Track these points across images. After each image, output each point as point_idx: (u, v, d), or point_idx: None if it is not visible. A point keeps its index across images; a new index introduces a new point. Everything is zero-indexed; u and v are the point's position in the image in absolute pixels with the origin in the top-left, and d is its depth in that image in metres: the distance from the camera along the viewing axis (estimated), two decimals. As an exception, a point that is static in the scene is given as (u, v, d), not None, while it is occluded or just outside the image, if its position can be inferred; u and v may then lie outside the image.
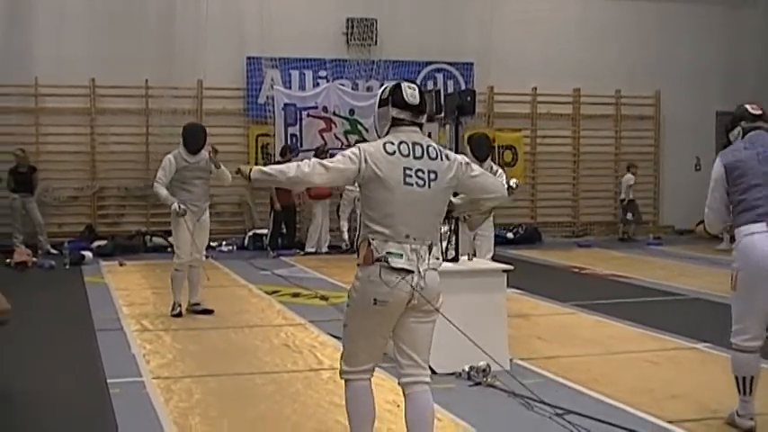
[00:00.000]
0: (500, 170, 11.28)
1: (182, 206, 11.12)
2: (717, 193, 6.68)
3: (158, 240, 18.94)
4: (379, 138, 5.66)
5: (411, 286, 5.47)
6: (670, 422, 6.94)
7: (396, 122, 5.62)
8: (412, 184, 5.44)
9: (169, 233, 18.52)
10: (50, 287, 14.38)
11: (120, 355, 9.32)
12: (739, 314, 6.55)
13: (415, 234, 5.47)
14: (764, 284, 6.29)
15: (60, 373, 8.67)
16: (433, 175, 5.52)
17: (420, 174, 5.48)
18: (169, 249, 18.32)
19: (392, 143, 5.52)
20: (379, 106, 5.72)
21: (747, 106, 6.88)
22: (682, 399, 7.62)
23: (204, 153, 11.33)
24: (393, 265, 5.40)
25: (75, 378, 8.45)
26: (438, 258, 5.76)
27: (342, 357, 5.80)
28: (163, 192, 11.28)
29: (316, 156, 18.18)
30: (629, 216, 21.46)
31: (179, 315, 11.25)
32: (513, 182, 10.88)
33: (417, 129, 5.67)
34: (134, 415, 7.19)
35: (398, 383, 5.79)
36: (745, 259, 6.42)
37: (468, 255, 9.33)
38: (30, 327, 10.43)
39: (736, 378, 6.61)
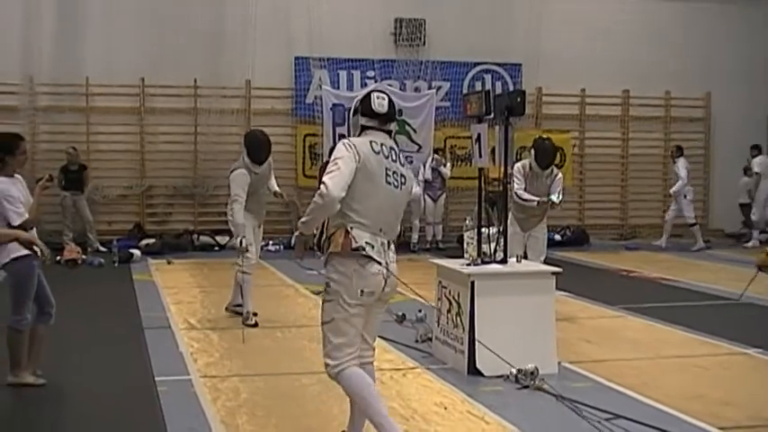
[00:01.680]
0: (560, 175, 11.36)
1: (246, 243, 10.60)
2: None
3: (206, 239, 19.07)
4: None
5: (383, 277, 5.87)
6: (722, 429, 6.86)
7: (365, 129, 6.04)
8: (390, 184, 5.91)
9: (216, 232, 18.90)
10: (99, 285, 14.49)
11: (168, 353, 9.37)
12: None
13: (386, 229, 5.93)
14: None
15: (109, 370, 8.73)
16: (402, 179, 6.01)
17: (395, 176, 5.96)
18: (216, 248, 18.52)
19: (375, 142, 5.92)
20: (353, 115, 6.15)
21: None
22: (733, 405, 7.52)
23: (267, 163, 11.01)
24: (370, 254, 5.78)
25: (124, 375, 8.51)
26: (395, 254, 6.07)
27: (327, 354, 5.98)
28: (240, 216, 10.57)
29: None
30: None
31: (255, 325, 10.73)
32: (554, 197, 10.91)
33: (386, 135, 6.06)
34: (182, 413, 7.22)
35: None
36: None
37: (518, 256, 9.27)
38: (79, 324, 10.53)
39: None
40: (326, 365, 6.00)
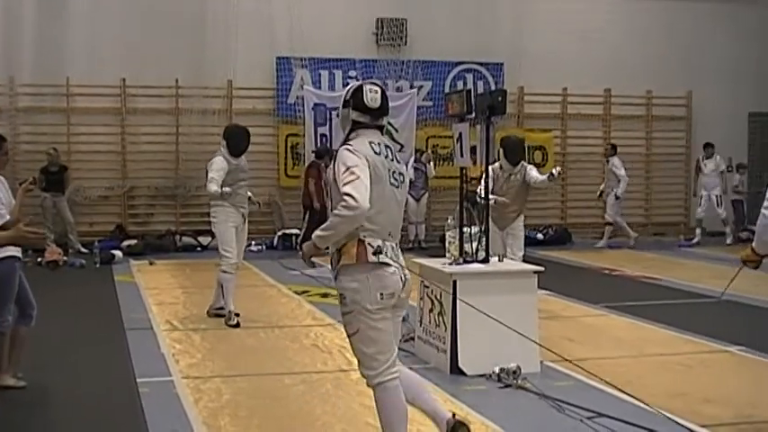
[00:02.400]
0: (530, 165, 11.53)
1: (227, 190, 10.68)
2: None
3: (188, 240, 19.03)
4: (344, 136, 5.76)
5: (401, 280, 5.61)
6: (704, 426, 6.87)
7: (356, 125, 5.67)
8: (393, 185, 5.63)
9: (198, 233, 18.87)
10: (81, 286, 14.44)
11: (150, 354, 9.34)
12: None
13: (394, 233, 5.71)
14: None
15: (90, 371, 8.70)
16: (402, 177, 5.74)
17: (396, 175, 5.68)
18: (199, 249, 18.48)
19: (374, 143, 5.61)
20: (343, 107, 5.75)
21: None
22: (716, 403, 7.54)
23: (243, 158, 11.14)
24: (385, 261, 5.53)
25: (105, 377, 8.48)
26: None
27: (363, 365, 5.71)
28: (213, 186, 10.63)
29: (318, 157, 18.45)
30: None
31: (237, 325, 10.70)
32: (555, 170, 11.02)
33: (378, 131, 5.75)
34: (163, 414, 7.20)
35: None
36: None
37: (500, 256, 9.28)
38: (60, 325, 10.49)
39: None
40: (366, 377, 5.72)
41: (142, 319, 11.29)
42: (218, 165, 10.86)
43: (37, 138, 18.89)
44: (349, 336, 5.72)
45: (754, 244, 6.21)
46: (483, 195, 10.19)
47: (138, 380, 8.22)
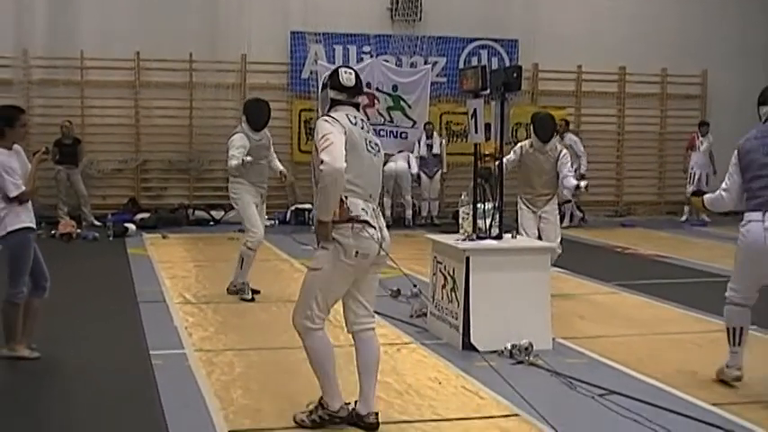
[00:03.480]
0: (566, 152, 11.06)
1: (248, 159, 10.61)
2: (735, 177, 7.21)
3: (200, 214, 19.07)
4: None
5: (377, 240, 6.08)
6: (715, 404, 6.88)
7: (334, 103, 6.24)
8: (370, 152, 6.15)
9: (211, 206, 18.90)
10: (94, 259, 14.49)
11: (163, 327, 9.39)
12: (735, 278, 7.40)
13: (374, 195, 6.21)
14: (756, 264, 7.06)
15: (103, 344, 8.74)
16: (377, 147, 6.27)
17: (372, 144, 6.21)
18: (212, 223, 18.52)
19: (350, 116, 6.15)
20: (321, 90, 6.40)
21: None
22: (727, 382, 7.53)
23: (266, 131, 11.13)
24: (366, 219, 6.02)
25: (118, 349, 8.52)
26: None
27: (301, 313, 6.21)
28: (234, 161, 10.62)
29: None
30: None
31: (252, 300, 10.75)
32: (583, 183, 10.70)
33: (354, 108, 6.28)
34: (176, 387, 7.24)
35: (349, 331, 6.45)
36: (744, 241, 7.09)
37: (513, 233, 9.24)
38: (73, 298, 10.53)
39: (728, 329, 7.42)
40: (298, 316, 6.26)
41: (155, 292, 11.32)
42: (239, 142, 10.79)
43: (50, 111, 18.92)
44: (310, 269, 6.24)
45: (707, 203, 7.76)
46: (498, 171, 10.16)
47: (150, 352, 8.26)
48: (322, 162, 5.77)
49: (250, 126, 10.91)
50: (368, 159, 6.11)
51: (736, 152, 7.23)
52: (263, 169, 11.12)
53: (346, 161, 5.83)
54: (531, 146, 10.94)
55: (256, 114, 11.00)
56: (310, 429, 6.32)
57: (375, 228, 6.08)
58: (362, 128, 6.17)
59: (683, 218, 20.73)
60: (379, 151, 6.26)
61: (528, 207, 10.93)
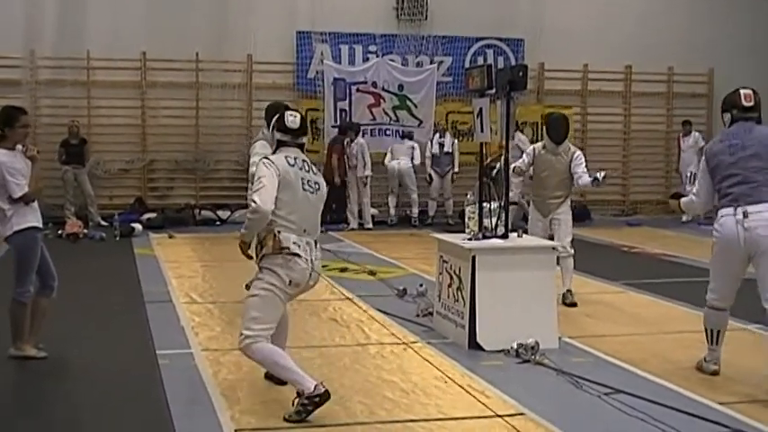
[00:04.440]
0: (579, 152, 10.89)
1: None
2: (703, 181, 7.61)
3: (207, 213, 19.09)
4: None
5: (308, 272, 6.70)
6: (721, 404, 6.87)
7: (280, 143, 6.88)
8: (307, 191, 6.74)
9: (217, 206, 18.92)
10: (101, 258, 14.52)
11: (170, 326, 9.41)
12: (713, 277, 7.61)
13: (309, 230, 6.75)
14: (730, 257, 7.33)
15: (110, 343, 8.75)
16: (317, 185, 6.86)
17: (310, 183, 6.79)
18: (218, 223, 18.54)
19: (289, 157, 6.76)
20: (270, 131, 7.10)
21: (741, 94, 7.55)
22: (733, 380, 7.54)
23: None
24: (296, 252, 6.59)
25: (125, 349, 8.53)
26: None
27: (245, 326, 6.69)
28: None
29: (341, 132, 18.86)
30: None
31: None
32: (600, 174, 10.59)
33: (299, 149, 6.91)
34: (183, 386, 7.26)
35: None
36: (719, 236, 7.38)
37: (519, 232, 9.24)
38: (80, 298, 10.55)
39: (706, 330, 7.69)
40: (241, 336, 6.71)
41: (162, 291, 11.34)
42: (261, 149, 10.63)
43: (57, 111, 18.97)
44: (248, 296, 6.74)
45: (683, 206, 8.12)
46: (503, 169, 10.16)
47: (157, 352, 8.28)
48: (252, 201, 6.53)
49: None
50: (303, 197, 6.71)
51: (703, 157, 7.66)
52: None
53: (281, 199, 6.55)
54: (544, 147, 10.81)
55: None
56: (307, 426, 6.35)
57: (307, 260, 6.67)
58: (301, 168, 6.78)
59: (684, 218, 20.56)
60: (318, 189, 6.86)
61: (538, 212, 10.83)
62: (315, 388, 6.45)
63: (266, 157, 6.81)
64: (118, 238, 16.55)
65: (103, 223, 18.07)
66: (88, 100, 19.36)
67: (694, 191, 7.78)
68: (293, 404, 6.48)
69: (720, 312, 7.62)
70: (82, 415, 6.76)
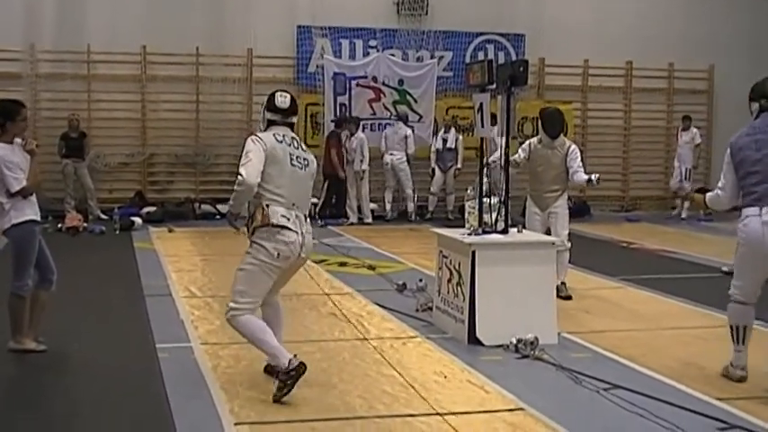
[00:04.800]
0: (575, 147, 10.91)
1: None
2: (729, 175, 7.38)
3: (207, 207, 19.08)
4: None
5: (299, 244, 6.96)
6: (720, 399, 6.89)
7: (270, 123, 7.20)
8: (295, 166, 7.03)
9: (217, 200, 18.91)
10: (100, 252, 14.53)
11: (169, 320, 9.42)
12: (737, 274, 7.47)
13: (298, 203, 7.04)
14: (756, 257, 7.16)
15: (110, 337, 8.77)
16: (305, 161, 7.15)
17: (299, 159, 7.09)
18: (218, 217, 18.51)
19: (278, 134, 7.07)
20: (261, 112, 7.35)
21: None
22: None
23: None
24: (286, 225, 6.87)
25: (125, 342, 8.55)
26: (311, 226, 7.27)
27: (232, 298, 7.01)
28: None
29: (337, 126, 18.83)
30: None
31: None
32: (594, 177, 10.64)
33: (288, 128, 7.22)
34: (182, 379, 7.27)
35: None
36: (744, 236, 7.22)
37: (519, 227, 9.24)
38: (80, 291, 10.56)
39: (731, 327, 7.45)
40: (227, 308, 7.05)
41: (161, 285, 11.35)
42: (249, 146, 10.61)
43: (57, 104, 18.96)
44: (238, 269, 7.07)
45: (708, 202, 7.85)
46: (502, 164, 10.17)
47: (157, 345, 8.30)
48: (239, 174, 6.77)
49: None
50: (291, 172, 6.98)
51: (728, 150, 7.38)
52: None
53: (269, 173, 6.85)
54: (540, 141, 10.84)
55: None
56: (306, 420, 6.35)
57: (297, 233, 6.94)
58: (290, 144, 7.08)
59: (683, 215, 20.56)
60: (307, 165, 7.14)
61: (535, 206, 10.85)
62: (289, 363, 6.70)
63: (254, 134, 7.14)
64: (118, 232, 16.56)
65: (103, 217, 18.08)
66: (88, 93, 19.34)
67: (720, 185, 7.52)
68: (274, 383, 6.78)
69: (745, 307, 7.40)
70: (81, 408, 6.77)
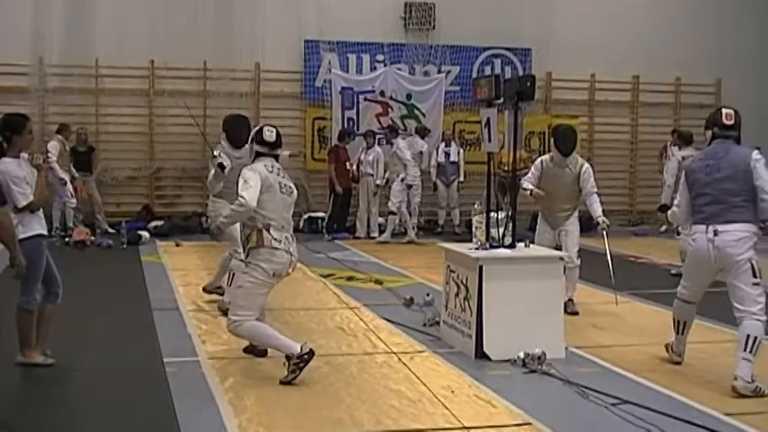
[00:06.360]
0: (588, 166, 10.92)
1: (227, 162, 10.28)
2: (684, 195, 8.15)
3: (214, 221, 19.07)
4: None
5: (289, 263, 7.85)
6: (728, 415, 6.87)
7: (258, 154, 7.98)
8: (284, 193, 7.89)
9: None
10: (108, 266, 14.54)
11: (177, 334, 9.43)
12: (686, 277, 8.34)
13: (287, 226, 7.89)
14: (700, 267, 7.98)
15: (117, 350, 8.76)
16: (290, 189, 8.01)
17: (286, 187, 7.94)
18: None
19: (267, 165, 7.87)
20: (250, 143, 8.10)
21: (723, 113, 8.15)
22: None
23: (247, 148, 10.87)
24: (277, 246, 7.69)
25: (132, 356, 8.55)
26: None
27: (233, 312, 7.83)
28: (214, 182, 10.56)
29: (339, 140, 18.73)
30: None
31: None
32: (603, 222, 10.63)
33: (274, 159, 8.00)
34: (190, 394, 7.27)
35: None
36: (692, 249, 7.98)
37: (526, 241, 9.24)
38: (88, 305, 10.57)
39: (674, 320, 8.43)
40: (229, 320, 7.84)
41: (168, 299, 11.37)
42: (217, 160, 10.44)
43: (65, 118, 18.93)
44: (237, 286, 7.99)
45: (669, 217, 8.92)
46: (521, 184, 10.25)
47: (164, 359, 8.29)
48: (241, 197, 7.54)
49: (230, 143, 10.52)
50: (281, 199, 7.83)
51: (684, 172, 8.26)
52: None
53: (264, 200, 7.63)
54: (552, 159, 10.84)
55: (237, 130, 10.44)
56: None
57: (288, 253, 7.80)
58: (278, 174, 7.90)
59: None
60: (291, 192, 7.99)
61: (547, 224, 10.87)
62: (301, 348, 7.53)
63: (249, 165, 7.89)
64: (125, 246, 16.57)
65: (111, 231, 18.11)
66: (96, 107, 19.43)
67: (676, 203, 8.35)
68: (286, 367, 7.51)
69: (689, 305, 8.31)
70: (88, 422, 6.77)
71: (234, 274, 10.76)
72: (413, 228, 18.33)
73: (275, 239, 7.70)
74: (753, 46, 22.27)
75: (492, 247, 8.82)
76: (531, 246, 9.34)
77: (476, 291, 8.45)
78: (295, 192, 8.12)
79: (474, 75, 20.09)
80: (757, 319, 7.59)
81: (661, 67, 21.70)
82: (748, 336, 7.54)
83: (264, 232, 7.68)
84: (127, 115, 19.66)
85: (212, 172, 10.50)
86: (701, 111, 22.09)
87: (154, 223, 18.62)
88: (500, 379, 7.79)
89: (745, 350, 7.51)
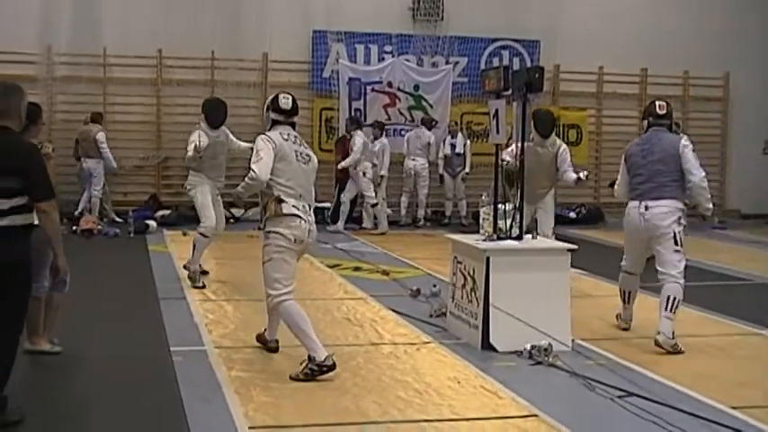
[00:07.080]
0: (564, 147, 11.43)
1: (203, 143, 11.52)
2: (623, 174, 9.29)
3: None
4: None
5: (308, 230, 7.69)
6: (734, 408, 6.86)
7: (274, 122, 7.86)
8: (300, 161, 7.76)
9: (231, 204, 18.88)
10: (115, 255, 14.58)
11: (183, 323, 9.44)
12: (626, 251, 9.53)
13: (305, 195, 7.77)
14: (634, 239, 9.18)
15: (124, 339, 8.78)
16: (308, 157, 7.89)
17: (302, 155, 7.81)
18: (232, 220, 18.51)
19: (283, 133, 7.76)
20: (265, 111, 7.97)
21: (657, 104, 9.10)
22: (746, 385, 7.54)
23: (224, 128, 11.95)
24: (296, 213, 7.57)
25: (139, 345, 8.57)
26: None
27: (269, 286, 7.66)
28: (190, 154, 11.62)
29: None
30: None
31: (203, 286, 11.37)
32: (582, 174, 11.04)
33: (290, 127, 7.88)
34: (196, 383, 7.28)
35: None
36: (626, 221, 9.25)
37: (533, 233, 9.25)
38: (95, 294, 10.58)
39: (621, 291, 9.57)
40: (268, 296, 7.69)
41: (175, 288, 11.37)
42: (193, 137, 11.65)
43: (73, 107, 19.04)
44: (263, 263, 7.68)
45: (614, 192, 9.77)
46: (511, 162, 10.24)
47: (171, 348, 8.31)
48: (252, 170, 7.55)
49: (209, 124, 11.81)
50: (297, 167, 7.70)
51: (623, 155, 9.29)
52: (221, 165, 12.04)
53: (279, 168, 7.57)
54: (532, 140, 11.01)
55: (214, 113, 11.89)
56: (319, 425, 6.37)
57: (305, 220, 7.65)
58: (294, 142, 7.80)
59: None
60: (309, 161, 7.86)
61: (525, 201, 10.95)
62: (326, 358, 7.35)
63: (264, 134, 7.79)
64: (132, 235, 16.59)
65: (118, 220, 18.14)
66: (104, 96, 19.44)
67: (618, 181, 9.43)
68: (301, 364, 7.39)
69: (632, 276, 9.46)
70: (95, 411, 6.79)
71: (196, 246, 11.82)
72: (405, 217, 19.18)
73: (293, 206, 7.59)
74: (761, 39, 22.23)
75: (499, 238, 8.82)
76: (538, 237, 9.35)
77: (483, 282, 8.45)
78: (314, 159, 7.98)
79: (482, 66, 20.04)
80: (676, 282, 8.82)
81: (669, 60, 21.64)
82: (669, 296, 8.74)
83: (281, 201, 7.58)
84: (134, 104, 19.69)
85: (189, 152, 11.64)
86: (709, 104, 22.29)
87: (161, 212, 18.63)
88: (506, 370, 7.79)
89: (666, 309, 8.69)
